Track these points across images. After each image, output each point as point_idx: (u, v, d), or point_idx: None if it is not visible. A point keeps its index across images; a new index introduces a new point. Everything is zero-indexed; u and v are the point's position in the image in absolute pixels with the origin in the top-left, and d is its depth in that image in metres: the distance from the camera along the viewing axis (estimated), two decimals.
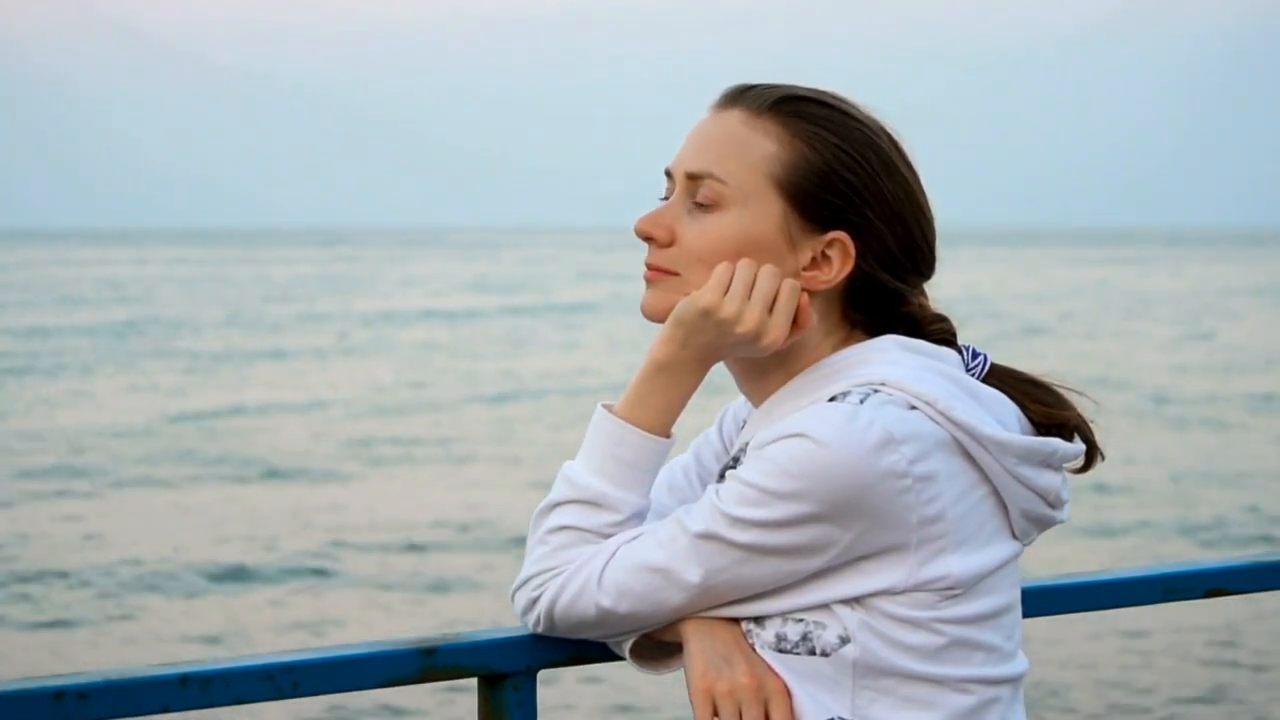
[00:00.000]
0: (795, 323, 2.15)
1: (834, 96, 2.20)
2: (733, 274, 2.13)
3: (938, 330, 2.22)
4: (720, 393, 2.43)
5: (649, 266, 2.20)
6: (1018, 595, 2.20)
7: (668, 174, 2.22)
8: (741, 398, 2.34)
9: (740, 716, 2.09)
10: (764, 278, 2.13)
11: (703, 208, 2.17)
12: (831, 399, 2.10)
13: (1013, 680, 2.16)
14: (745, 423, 2.28)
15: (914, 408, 2.07)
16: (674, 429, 2.19)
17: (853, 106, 2.20)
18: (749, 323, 2.11)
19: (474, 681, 2.24)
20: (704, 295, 2.12)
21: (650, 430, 2.17)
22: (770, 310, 2.13)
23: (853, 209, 2.15)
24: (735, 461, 2.17)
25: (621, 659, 2.22)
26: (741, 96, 2.20)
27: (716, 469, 2.30)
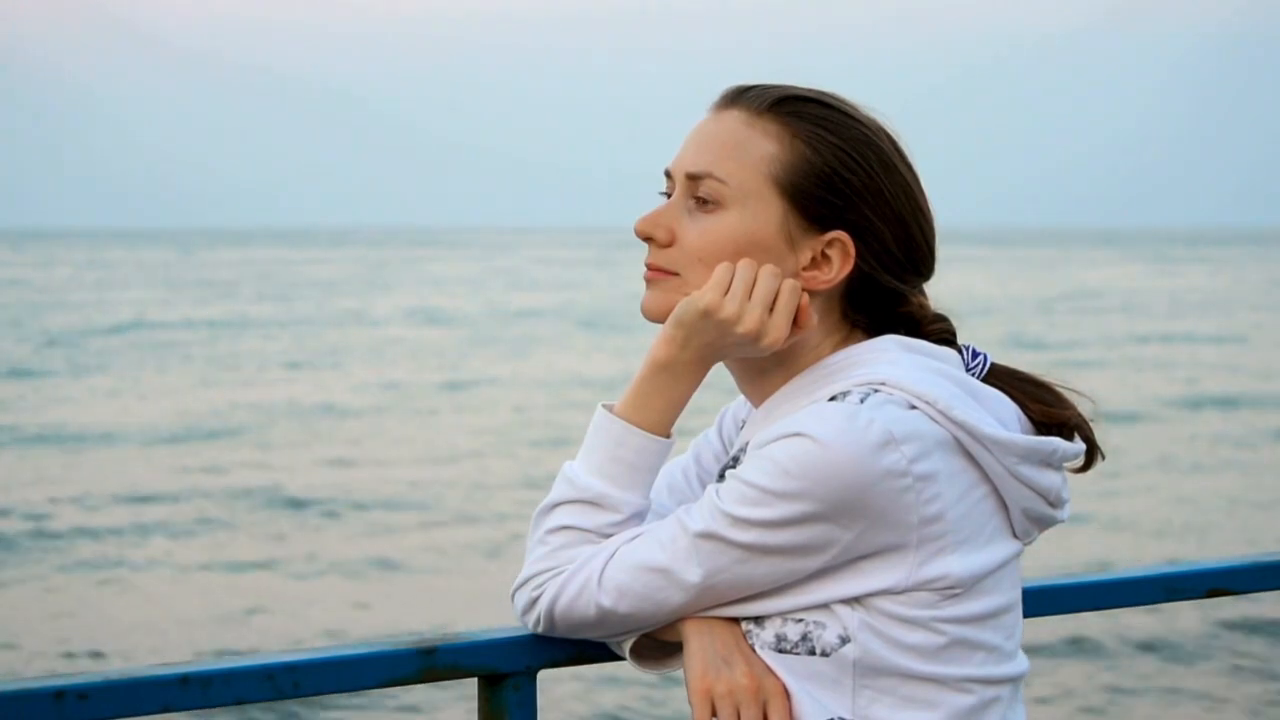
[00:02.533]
0: (796, 323, 2.15)
1: (833, 96, 2.20)
2: (733, 274, 2.13)
3: (937, 330, 2.22)
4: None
5: (649, 267, 2.20)
6: (1018, 595, 2.20)
7: (667, 174, 2.22)
8: (741, 398, 2.34)
9: (738, 717, 2.09)
10: (764, 278, 2.13)
11: (703, 208, 2.17)
12: (831, 399, 2.10)
13: (1013, 680, 2.17)
14: (745, 423, 2.29)
15: (914, 407, 2.07)
16: (673, 429, 2.19)
17: (852, 106, 2.20)
18: (749, 323, 2.12)
19: (474, 681, 2.24)
20: (704, 296, 2.12)
21: (651, 430, 2.17)
22: (771, 310, 2.13)
23: (852, 209, 2.15)
24: (735, 461, 2.17)
25: (622, 659, 2.23)
26: (741, 97, 2.20)
27: (716, 470, 2.30)
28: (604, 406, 2.20)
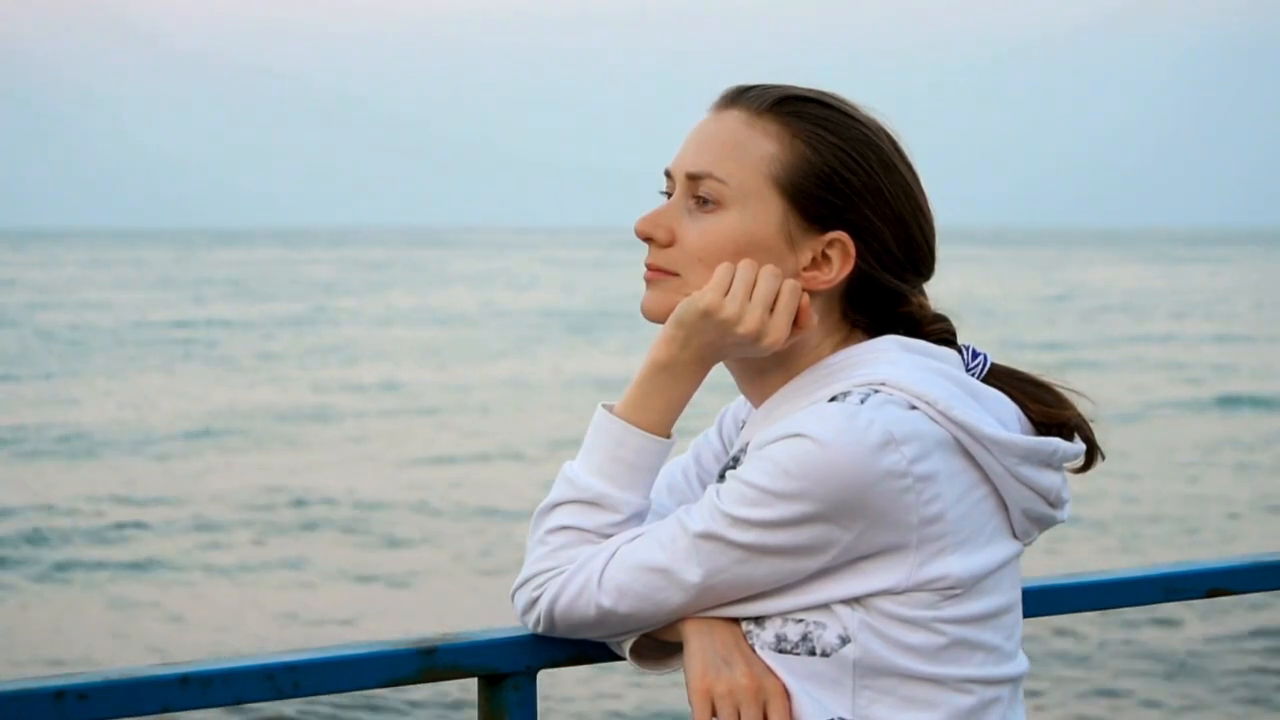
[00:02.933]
0: (796, 323, 2.15)
1: (833, 96, 2.20)
2: (734, 275, 2.13)
3: (937, 330, 2.22)
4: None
5: (649, 267, 2.20)
6: (1018, 595, 2.20)
7: (667, 174, 2.22)
8: (740, 398, 2.34)
9: (739, 717, 2.09)
10: (765, 278, 2.13)
11: (703, 208, 2.17)
12: (832, 399, 2.10)
13: (1013, 680, 2.17)
14: (745, 423, 2.29)
15: (914, 408, 2.07)
16: (673, 430, 2.19)
17: (852, 106, 2.20)
18: (750, 323, 2.12)
19: (474, 681, 2.24)
20: (705, 296, 2.12)
21: (651, 431, 2.17)
22: (771, 311, 2.13)
23: (853, 209, 2.15)
24: (735, 462, 2.17)
25: (622, 659, 2.23)
26: (741, 97, 2.20)
27: (716, 470, 2.30)
28: (604, 406, 2.20)
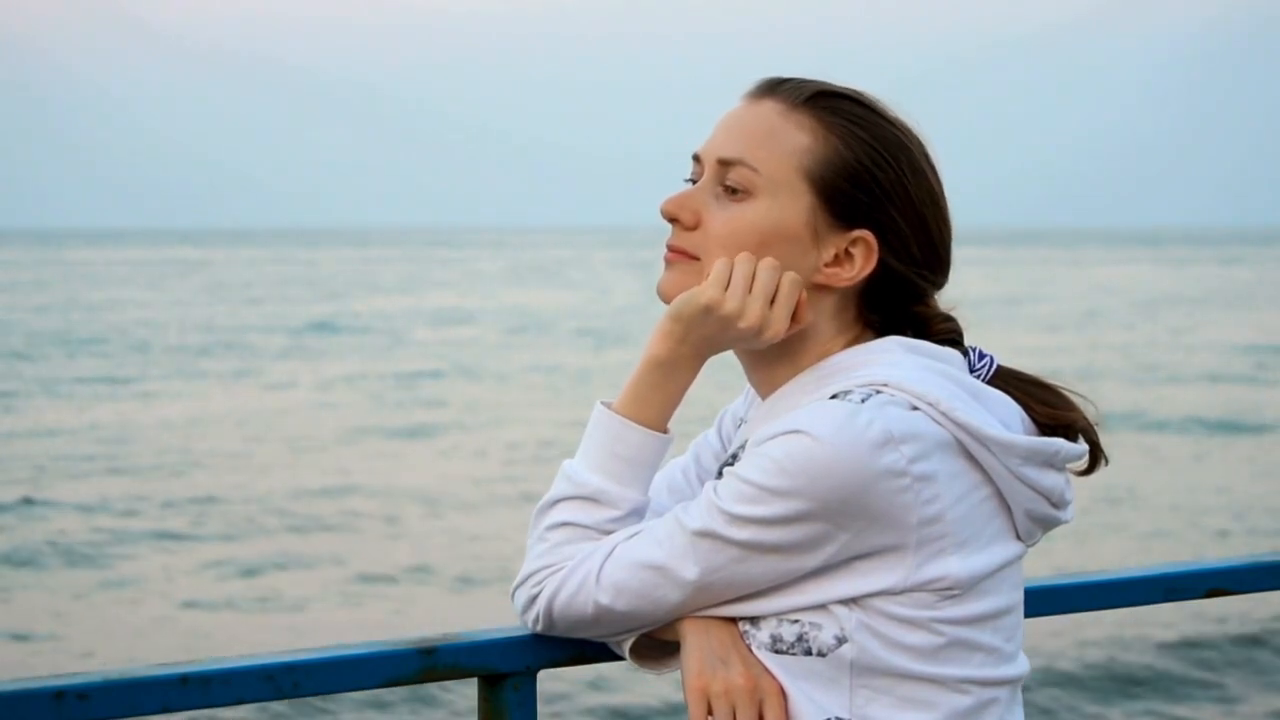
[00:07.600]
0: (794, 316, 2.15)
1: (867, 96, 2.20)
2: (732, 269, 2.13)
3: (944, 330, 2.22)
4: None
5: (670, 248, 2.19)
6: (1019, 596, 2.19)
7: (696, 159, 2.22)
8: (740, 398, 2.34)
9: (734, 717, 2.09)
10: (764, 272, 2.13)
11: (732, 195, 2.17)
12: (833, 397, 2.10)
13: (1012, 681, 2.16)
14: (743, 422, 2.29)
15: (916, 408, 2.07)
16: (670, 425, 2.20)
17: (885, 107, 2.20)
18: (751, 318, 2.12)
19: (474, 682, 2.24)
20: (704, 291, 2.12)
21: (649, 426, 2.17)
22: (771, 304, 2.13)
23: (879, 208, 2.15)
24: (733, 459, 2.17)
25: (621, 659, 2.23)
26: (777, 88, 2.19)
27: (715, 469, 2.31)
28: (602, 403, 2.20)
